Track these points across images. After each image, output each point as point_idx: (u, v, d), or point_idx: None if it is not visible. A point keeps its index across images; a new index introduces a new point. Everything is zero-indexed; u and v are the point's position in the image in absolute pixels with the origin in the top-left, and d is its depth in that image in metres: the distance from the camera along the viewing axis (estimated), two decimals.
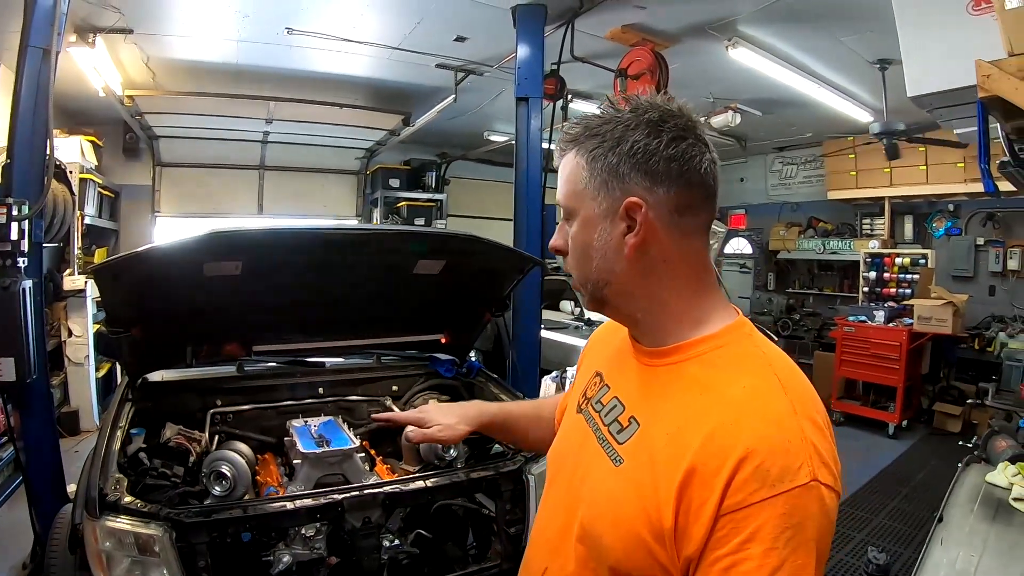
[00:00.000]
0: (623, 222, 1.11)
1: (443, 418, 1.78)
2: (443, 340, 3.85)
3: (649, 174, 1.09)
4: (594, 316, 6.76)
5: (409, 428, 1.85)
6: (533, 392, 4.96)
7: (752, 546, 0.90)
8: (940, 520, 2.65)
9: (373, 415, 1.92)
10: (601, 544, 1.09)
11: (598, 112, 1.16)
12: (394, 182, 10.30)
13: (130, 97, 6.71)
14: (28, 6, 3.40)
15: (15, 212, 3.35)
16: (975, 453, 3.35)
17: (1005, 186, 3.60)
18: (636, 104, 1.12)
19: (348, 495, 2.44)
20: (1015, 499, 2.70)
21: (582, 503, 1.17)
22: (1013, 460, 3.01)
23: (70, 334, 6.56)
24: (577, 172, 1.15)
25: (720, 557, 0.92)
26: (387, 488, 2.53)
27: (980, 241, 8.07)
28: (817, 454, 0.95)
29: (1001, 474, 2.90)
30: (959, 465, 3.19)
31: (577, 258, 1.19)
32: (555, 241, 1.25)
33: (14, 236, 3.35)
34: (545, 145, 5.01)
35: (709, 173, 1.13)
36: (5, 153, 3.51)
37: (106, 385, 7.22)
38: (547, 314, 7.69)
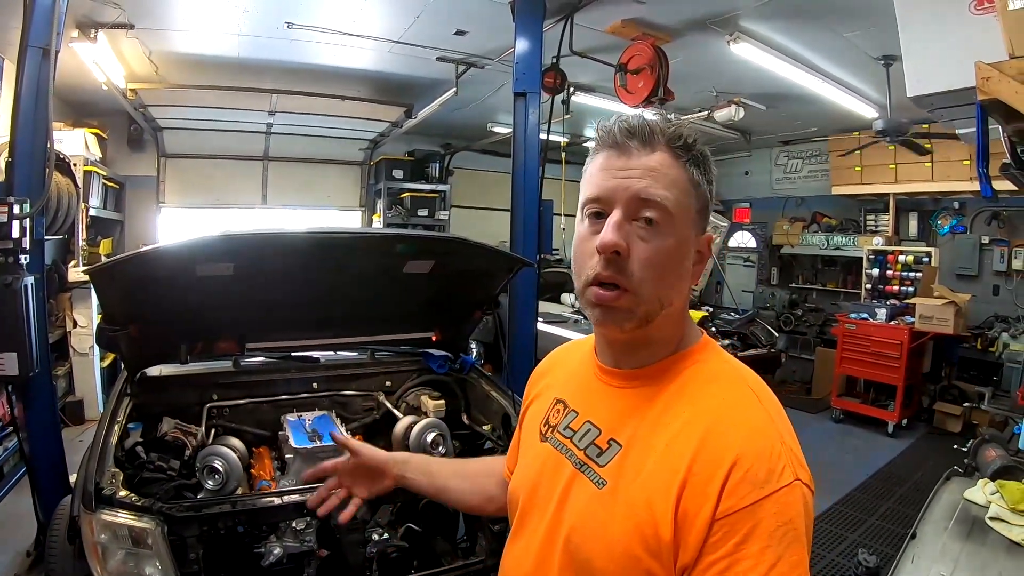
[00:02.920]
0: (697, 252, 1.16)
1: (370, 470, 1.70)
2: (433, 338, 3.88)
3: (707, 215, 1.18)
4: None
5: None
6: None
7: (748, 546, 0.93)
8: (913, 536, 2.65)
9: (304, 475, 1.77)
10: (592, 567, 1.09)
11: (693, 127, 1.15)
12: (398, 173, 10.28)
13: (133, 90, 6.74)
14: (27, 6, 3.43)
15: (16, 210, 3.39)
16: (964, 461, 3.34)
17: (1009, 185, 3.59)
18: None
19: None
20: (991, 518, 2.67)
21: (563, 528, 1.16)
22: (995, 476, 2.99)
23: (75, 324, 6.64)
24: (686, 185, 1.12)
25: (716, 560, 0.95)
26: None
27: (985, 240, 8.06)
28: (795, 456, 1.02)
29: (980, 491, 2.85)
30: (943, 477, 3.17)
31: (659, 272, 1.10)
32: (618, 239, 1.08)
33: (16, 234, 3.39)
34: (543, 137, 5.01)
35: None
36: (7, 150, 3.56)
37: (111, 374, 7.27)
38: (547, 307, 7.73)
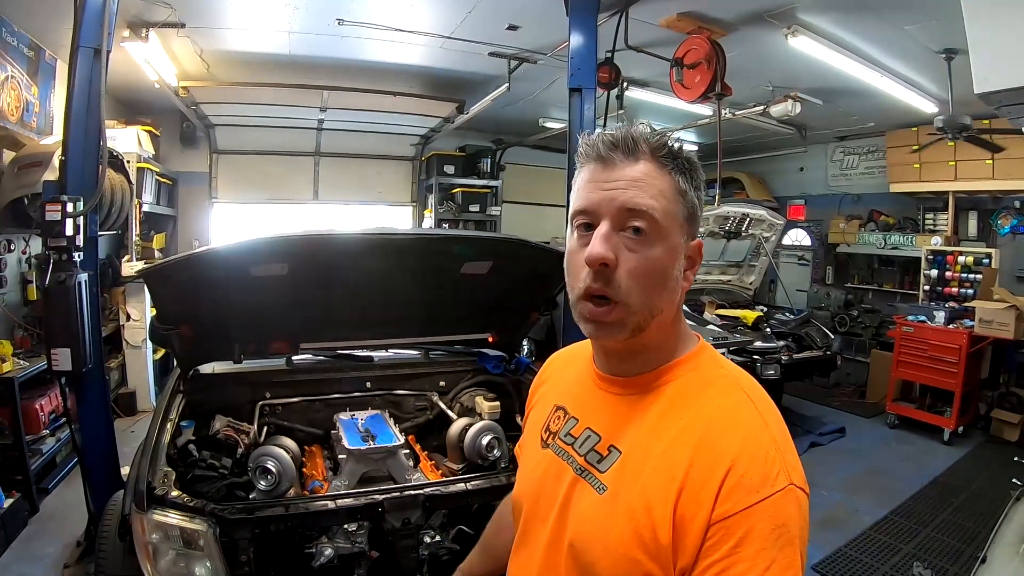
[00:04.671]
0: (687, 259, 1.17)
1: None
2: (490, 339, 3.85)
3: (697, 222, 1.17)
4: None
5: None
6: None
7: (743, 549, 0.95)
8: (983, 560, 2.54)
9: None
10: (595, 571, 1.11)
11: (678, 139, 1.17)
12: (449, 168, 10.27)
13: (185, 88, 6.80)
14: (78, 7, 3.49)
15: (70, 208, 3.44)
16: None
17: None
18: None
19: (389, 496, 2.47)
20: None
21: (567, 534, 1.18)
22: None
23: (128, 318, 6.78)
24: (671, 193, 1.12)
25: (713, 563, 0.96)
26: (427, 490, 2.55)
27: None
28: (789, 460, 1.03)
29: None
30: (1011, 494, 3.02)
31: (647, 282, 1.11)
32: (606, 251, 1.08)
33: (69, 232, 3.45)
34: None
35: None
36: (61, 149, 3.60)
37: (163, 367, 7.43)
38: None
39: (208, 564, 2.18)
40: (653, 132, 1.14)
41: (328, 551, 2.47)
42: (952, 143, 7.25)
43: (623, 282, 1.09)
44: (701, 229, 1.19)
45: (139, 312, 6.80)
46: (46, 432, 5.09)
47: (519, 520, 1.36)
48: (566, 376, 1.41)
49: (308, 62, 6.72)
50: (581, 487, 1.18)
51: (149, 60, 5.72)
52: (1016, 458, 3.49)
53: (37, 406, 4.94)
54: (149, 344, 6.94)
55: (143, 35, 5.33)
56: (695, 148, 9.89)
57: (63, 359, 3.51)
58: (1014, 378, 7.74)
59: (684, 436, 1.07)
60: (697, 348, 1.22)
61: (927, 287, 8.53)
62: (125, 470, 3.69)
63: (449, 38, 5.98)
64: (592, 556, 1.11)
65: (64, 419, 4.99)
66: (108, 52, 3.59)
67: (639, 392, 1.19)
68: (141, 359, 6.99)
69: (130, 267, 6.54)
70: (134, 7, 4.99)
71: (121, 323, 6.79)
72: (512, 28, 5.76)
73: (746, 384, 1.15)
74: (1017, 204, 8.09)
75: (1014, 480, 3.15)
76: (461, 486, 2.62)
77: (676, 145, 1.14)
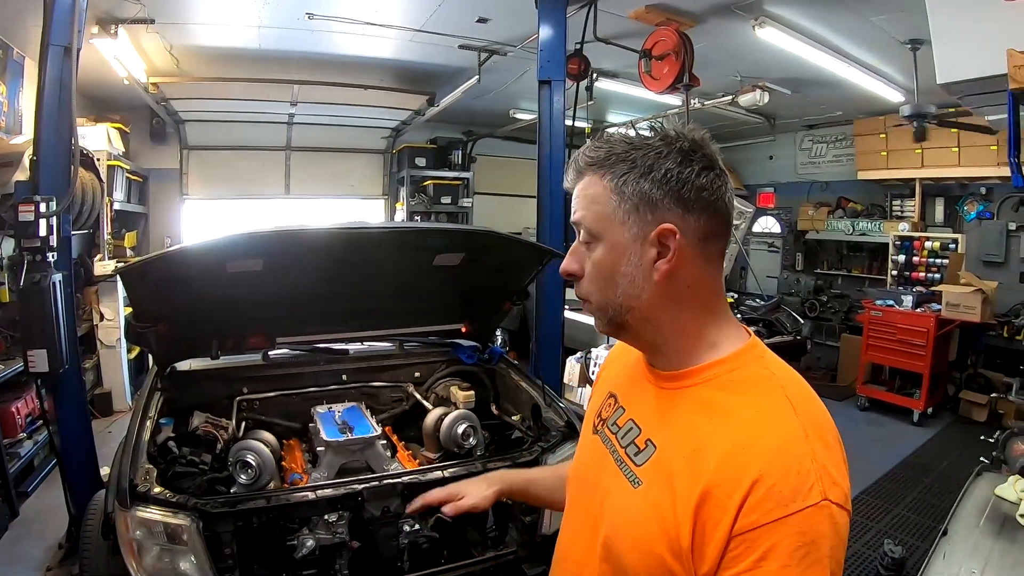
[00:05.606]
0: (654, 248, 1.12)
1: (474, 488, 1.81)
2: (463, 330, 3.88)
3: (682, 202, 1.11)
4: None
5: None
6: (555, 377, 4.97)
7: (766, 564, 0.92)
8: (945, 533, 2.62)
9: (409, 509, 1.97)
10: (623, 562, 1.12)
11: (621, 136, 1.17)
12: (420, 161, 10.29)
13: (155, 84, 6.78)
14: (47, 5, 3.45)
15: (43, 209, 3.42)
16: (992, 453, 3.29)
17: None
18: (665, 133, 1.14)
19: (367, 485, 2.51)
20: (1022, 515, 2.65)
21: (603, 523, 1.20)
22: (1023, 471, 2.97)
23: (102, 318, 6.72)
24: (604, 196, 1.15)
25: (736, 575, 0.95)
26: (405, 479, 2.60)
27: (1012, 226, 7.88)
28: (827, 474, 0.98)
29: (1011, 488, 2.83)
30: (974, 472, 3.13)
31: (600, 283, 1.18)
32: (570, 265, 1.22)
33: (43, 232, 3.43)
34: (568, 123, 4.97)
35: (730, 203, 1.17)
36: (32, 149, 3.57)
37: (138, 366, 7.39)
38: (574, 294, 7.75)
39: (193, 558, 2.19)
40: (593, 144, 1.19)
41: (309, 543, 2.49)
42: (925, 129, 7.37)
43: (585, 285, 1.21)
44: None
45: (112, 312, 6.74)
46: (23, 435, 5.04)
47: (567, 499, 1.41)
48: (625, 363, 1.39)
49: (278, 56, 6.69)
50: (618, 478, 1.19)
51: (118, 56, 5.67)
52: (983, 436, 3.58)
53: (13, 409, 4.90)
54: (124, 344, 6.90)
55: (112, 31, 5.27)
56: None
57: (39, 360, 3.49)
58: (982, 360, 7.94)
59: (714, 440, 1.04)
60: (743, 348, 1.17)
61: (895, 272, 8.71)
62: (104, 470, 3.69)
63: (419, 31, 5.99)
64: (621, 548, 1.13)
65: (41, 421, 4.96)
66: (79, 50, 3.55)
67: (678, 388, 1.17)
68: (116, 359, 6.93)
69: (103, 266, 6.50)
70: (103, 3, 4.95)
71: (95, 323, 6.72)
72: (482, 21, 5.78)
73: (792, 390, 1.09)
74: (983, 190, 8.26)
75: (982, 459, 3.24)
76: (438, 474, 2.66)
77: (599, 152, 1.16)
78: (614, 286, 1.16)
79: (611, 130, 1.25)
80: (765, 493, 0.95)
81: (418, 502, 1.90)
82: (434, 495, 1.84)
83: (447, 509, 1.80)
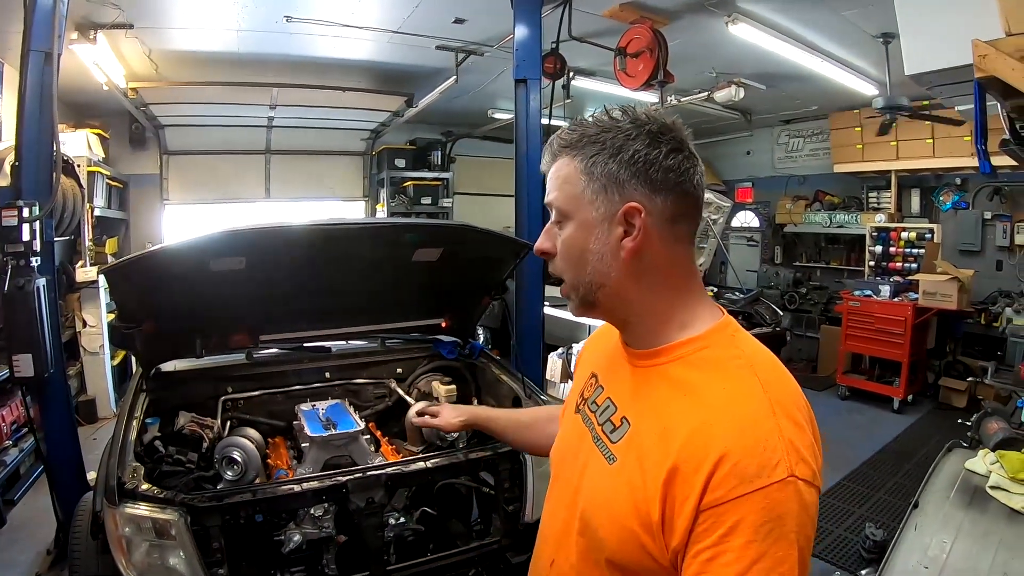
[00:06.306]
0: (620, 227, 1.16)
1: (447, 412, 2.13)
2: (444, 324, 3.92)
3: (649, 182, 1.14)
4: None
5: (412, 411, 2.26)
6: (536, 371, 5.01)
7: (732, 539, 0.95)
8: (916, 506, 2.69)
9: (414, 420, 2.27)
10: (598, 536, 1.16)
11: (594, 119, 1.20)
12: (400, 162, 10.33)
13: (134, 89, 6.76)
14: (28, 11, 3.45)
15: (26, 214, 3.43)
16: (968, 434, 3.37)
17: (1009, 161, 3.60)
18: (635, 116, 1.17)
19: (351, 477, 2.53)
20: (991, 487, 2.73)
21: (581, 498, 1.23)
22: (997, 448, 3.03)
23: (84, 324, 6.69)
24: (575, 177, 1.18)
25: (702, 550, 0.97)
26: (389, 469, 2.63)
27: (987, 215, 8.03)
28: (795, 451, 0.99)
29: (980, 461, 2.91)
30: (944, 448, 3.21)
31: (571, 261, 1.22)
32: (542, 243, 1.27)
33: (26, 237, 3.44)
34: (545, 121, 5.02)
35: (700, 185, 1.19)
36: (13, 154, 3.59)
37: (121, 373, 7.36)
38: (554, 291, 7.78)
39: (181, 553, 2.20)
40: (568, 127, 1.23)
41: (296, 537, 2.52)
42: (894, 124, 7.47)
43: (558, 263, 1.25)
44: None
45: (95, 318, 6.72)
46: (8, 443, 5.01)
47: (551, 476, 1.45)
48: (606, 344, 1.41)
49: (257, 60, 6.71)
50: (595, 455, 1.23)
51: (97, 62, 5.67)
52: (960, 420, 3.66)
53: None
54: (107, 350, 6.87)
55: (91, 37, 5.28)
56: None
57: (25, 365, 3.50)
58: (960, 347, 8.05)
59: (683, 418, 1.07)
60: (715, 327, 1.19)
61: (872, 263, 8.83)
62: (91, 475, 3.69)
63: (397, 32, 6.02)
64: (597, 522, 1.16)
65: (27, 429, 4.95)
66: (59, 56, 3.56)
67: (650, 366, 1.20)
68: (99, 365, 6.89)
69: (85, 273, 6.47)
70: (82, 9, 4.94)
71: (77, 330, 6.68)
72: (459, 21, 5.83)
73: (762, 368, 1.11)
74: (958, 181, 8.40)
75: (958, 440, 3.32)
76: (421, 465, 2.69)
77: (572, 135, 1.20)
78: (584, 263, 1.20)
79: (587, 114, 1.26)
80: (730, 469, 0.97)
81: (416, 420, 2.27)
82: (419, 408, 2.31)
83: (412, 416, 2.25)
